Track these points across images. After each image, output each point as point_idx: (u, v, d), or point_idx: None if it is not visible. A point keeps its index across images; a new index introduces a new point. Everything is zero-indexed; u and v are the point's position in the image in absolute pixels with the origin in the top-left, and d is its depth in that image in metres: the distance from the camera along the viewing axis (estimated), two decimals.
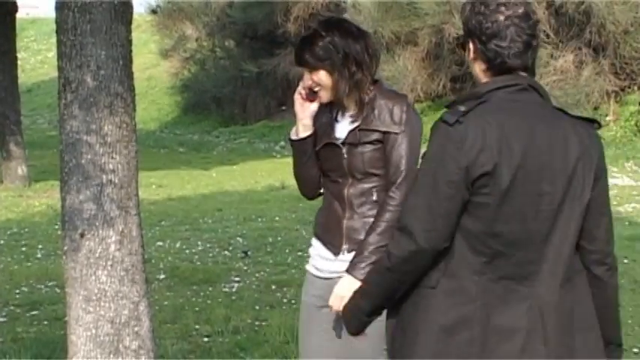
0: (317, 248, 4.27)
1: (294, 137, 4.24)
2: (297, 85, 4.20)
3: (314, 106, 4.15)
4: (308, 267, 4.37)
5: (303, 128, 4.19)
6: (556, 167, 3.05)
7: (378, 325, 3.37)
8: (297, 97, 4.19)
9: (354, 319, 3.37)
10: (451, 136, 3.00)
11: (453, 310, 3.05)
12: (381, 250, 3.59)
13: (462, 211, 3.02)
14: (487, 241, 3.04)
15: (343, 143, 4.08)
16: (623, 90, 20.59)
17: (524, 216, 3.03)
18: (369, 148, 4.00)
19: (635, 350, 6.93)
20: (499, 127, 2.99)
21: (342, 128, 4.12)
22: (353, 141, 4.05)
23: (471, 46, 3.17)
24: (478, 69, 3.18)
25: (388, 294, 3.21)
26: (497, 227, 3.03)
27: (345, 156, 4.07)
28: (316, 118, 4.19)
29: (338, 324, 4.01)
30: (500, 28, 3.07)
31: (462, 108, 3.04)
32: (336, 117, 4.16)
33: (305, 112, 4.17)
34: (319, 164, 4.21)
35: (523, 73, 3.14)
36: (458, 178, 2.99)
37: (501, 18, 3.07)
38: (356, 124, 4.06)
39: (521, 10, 3.09)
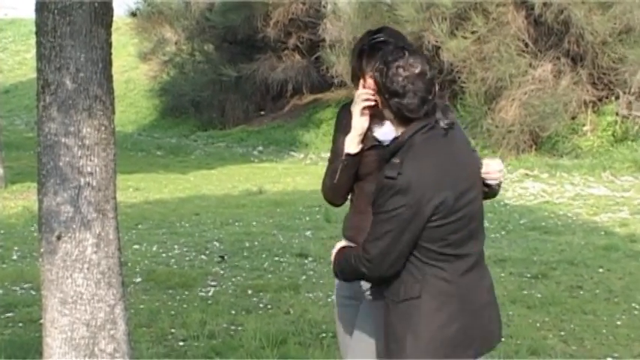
0: None
1: (354, 151, 4.25)
2: (353, 99, 4.24)
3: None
4: None
5: (360, 140, 4.24)
6: (473, 174, 3.91)
7: None
8: (361, 109, 4.20)
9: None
10: (397, 186, 3.65)
11: (442, 310, 3.77)
12: None
13: (418, 237, 3.71)
14: (445, 250, 3.77)
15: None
16: (600, 100, 20.68)
17: (467, 221, 3.81)
18: None
19: (610, 359, 6.97)
20: (432, 165, 3.72)
21: (385, 133, 4.18)
22: None
23: (380, 97, 3.82)
24: (389, 116, 3.85)
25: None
26: (452, 238, 3.77)
27: None
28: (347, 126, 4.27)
29: (366, 320, 4.27)
30: (398, 88, 3.71)
31: (397, 160, 3.70)
32: (376, 123, 4.22)
33: (365, 124, 4.21)
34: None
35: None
36: (409, 216, 3.67)
37: (400, 79, 3.70)
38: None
39: (417, 70, 3.71)
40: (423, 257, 3.75)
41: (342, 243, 4.17)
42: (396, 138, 3.86)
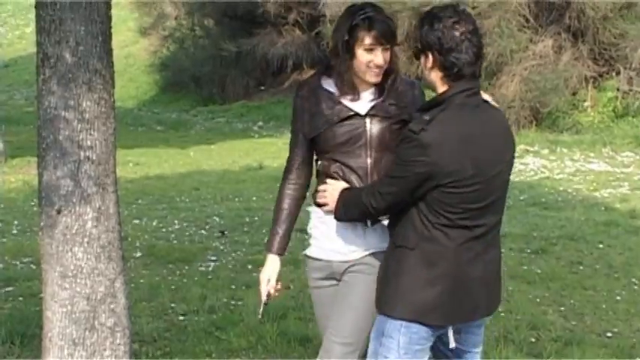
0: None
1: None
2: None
3: None
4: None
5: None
6: (500, 151, 3.91)
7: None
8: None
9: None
10: (417, 141, 3.71)
11: (429, 269, 3.84)
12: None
13: (426, 193, 3.78)
14: (456, 218, 3.81)
15: (366, 115, 4.21)
16: (601, 76, 20.64)
17: (485, 194, 3.83)
18: (397, 125, 4.19)
19: (609, 335, 6.97)
20: (459, 132, 3.76)
21: (362, 104, 4.22)
22: (379, 113, 4.21)
23: (430, 57, 3.84)
24: (435, 77, 3.87)
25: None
26: (466, 207, 3.80)
27: (368, 127, 4.21)
28: (317, 105, 4.27)
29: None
30: (453, 44, 3.77)
31: (427, 117, 3.75)
32: (351, 97, 4.23)
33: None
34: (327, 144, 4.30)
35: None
36: (423, 172, 3.72)
37: (457, 34, 3.78)
38: (380, 99, 4.23)
39: (472, 27, 3.82)
40: (433, 218, 3.82)
41: (343, 184, 4.23)
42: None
